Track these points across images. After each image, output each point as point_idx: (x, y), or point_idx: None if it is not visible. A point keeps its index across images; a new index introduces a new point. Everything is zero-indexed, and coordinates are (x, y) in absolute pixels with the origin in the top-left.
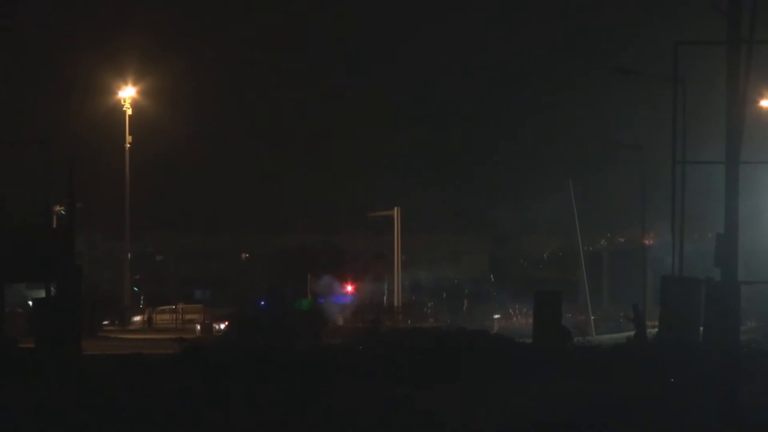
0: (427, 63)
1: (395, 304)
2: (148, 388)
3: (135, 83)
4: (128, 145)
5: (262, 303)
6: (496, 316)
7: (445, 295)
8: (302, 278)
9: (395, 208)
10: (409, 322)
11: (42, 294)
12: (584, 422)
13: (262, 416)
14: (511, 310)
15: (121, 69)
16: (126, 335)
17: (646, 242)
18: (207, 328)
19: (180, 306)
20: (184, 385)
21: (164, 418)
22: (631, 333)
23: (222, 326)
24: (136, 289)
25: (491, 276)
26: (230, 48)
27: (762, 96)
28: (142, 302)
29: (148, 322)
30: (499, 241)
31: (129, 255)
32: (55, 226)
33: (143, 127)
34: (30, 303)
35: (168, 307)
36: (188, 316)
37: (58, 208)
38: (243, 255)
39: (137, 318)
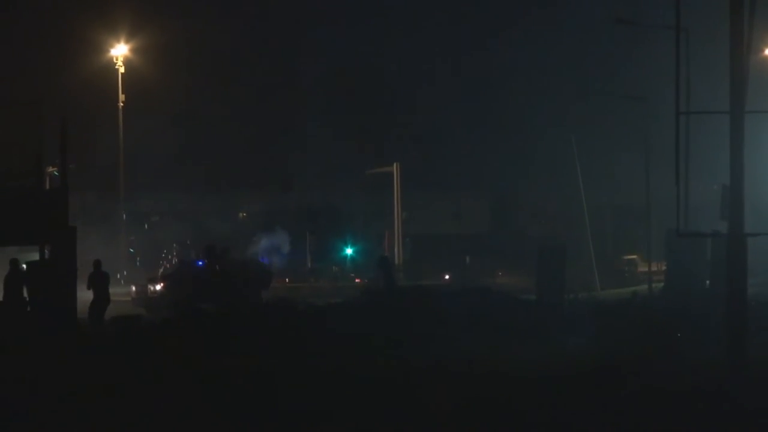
0: (420, 15)
1: (396, 261)
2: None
3: (128, 41)
4: (121, 104)
5: (199, 263)
6: (500, 273)
7: (446, 252)
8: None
9: (395, 164)
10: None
11: (36, 257)
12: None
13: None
14: (513, 266)
15: (113, 26)
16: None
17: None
18: (141, 291)
19: None
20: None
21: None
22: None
23: (158, 287)
24: (132, 250)
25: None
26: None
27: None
28: (138, 263)
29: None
30: (500, 196)
31: (124, 216)
32: (47, 187)
33: (137, 85)
34: (24, 266)
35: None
36: None
37: (50, 168)
38: (241, 214)
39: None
